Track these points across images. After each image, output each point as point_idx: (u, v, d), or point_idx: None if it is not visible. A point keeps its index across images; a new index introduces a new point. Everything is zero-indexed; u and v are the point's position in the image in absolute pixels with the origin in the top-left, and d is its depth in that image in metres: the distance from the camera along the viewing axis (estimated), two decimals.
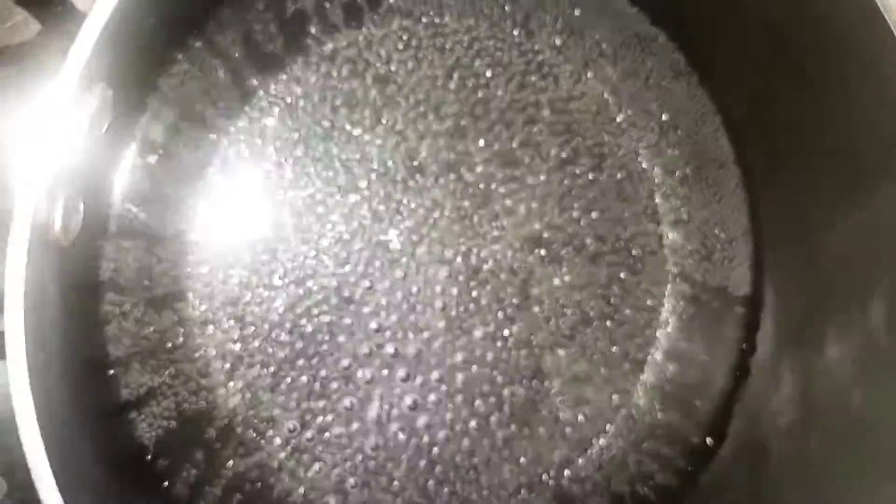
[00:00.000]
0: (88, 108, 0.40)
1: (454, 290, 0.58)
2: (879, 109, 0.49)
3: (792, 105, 0.56)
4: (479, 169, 0.59)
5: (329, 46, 0.56)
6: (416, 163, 0.58)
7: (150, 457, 0.49)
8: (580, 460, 0.59)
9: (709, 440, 0.60)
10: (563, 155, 0.60)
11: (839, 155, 0.53)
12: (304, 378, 0.55)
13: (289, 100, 0.55)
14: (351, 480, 0.55)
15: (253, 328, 0.54)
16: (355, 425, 0.55)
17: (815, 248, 0.58)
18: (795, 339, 0.58)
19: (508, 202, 0.59)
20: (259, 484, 0.53)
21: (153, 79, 0.48)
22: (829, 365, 0.55)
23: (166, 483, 0.50)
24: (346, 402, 0.55)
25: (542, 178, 0.60)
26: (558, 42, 0.60)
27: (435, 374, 0.57)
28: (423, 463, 0.56)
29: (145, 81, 0.48)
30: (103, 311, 0.48)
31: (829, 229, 0.56)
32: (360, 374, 0.56)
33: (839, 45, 0.49)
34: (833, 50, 0.49)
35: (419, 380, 0.57)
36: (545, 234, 0.60)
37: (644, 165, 0.62)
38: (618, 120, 0.62)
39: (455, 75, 0.59)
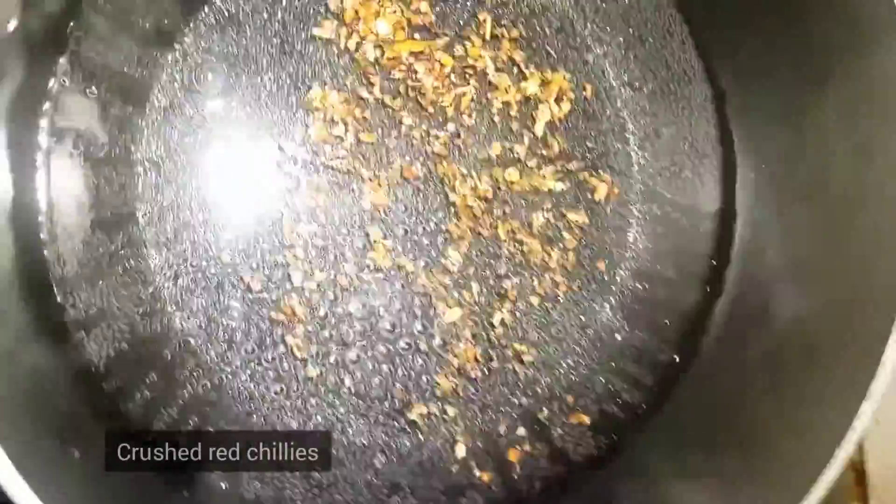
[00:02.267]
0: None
1: (419, 206, 0.57)
2: (845, 6, 0.48)
3: (757, 9, 0.54)
4: (440, 83, 0.57)
5: None
6: (371, 77, 0.56)
7: (101, 378, 0.49)
8: (546, 380, 0.59)
9: (676, 357, 0.59)
10: (528, 71, 0.59)
11: (807, 53, 0.51)
12: (258, 304, 0.54)
13: (236, 13, 0.54)
14: (312, 401, 0.55)
15: (206, 250, 0.53)
16: (314, 346, 0.55)
17: (783, 161, 0.57)
18: (766, 251, 0.58)
19: (469, 120, 0.58)
20: (217, 406, 0.53)
21: None
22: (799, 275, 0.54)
23: (120, 405, 0.49)
24: (305, 323, 0.54)
25: (507, 96, 0.58)
26: None
27: (397, 304, 0.56)
28: (387, 384, 0.56)
29: None
30: (47, 231, 0.47)
31: (797, 139, 0.55)
32: (313, 290, 0.55)
33: None
34: None
35: (383, 298, 0.56)
36: (509, 153, 0.58)
37: (611, 81, 0.61)
38: (583, 34, 0.60)
39: None
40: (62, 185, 0.47)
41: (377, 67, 0.56)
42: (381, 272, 0.56)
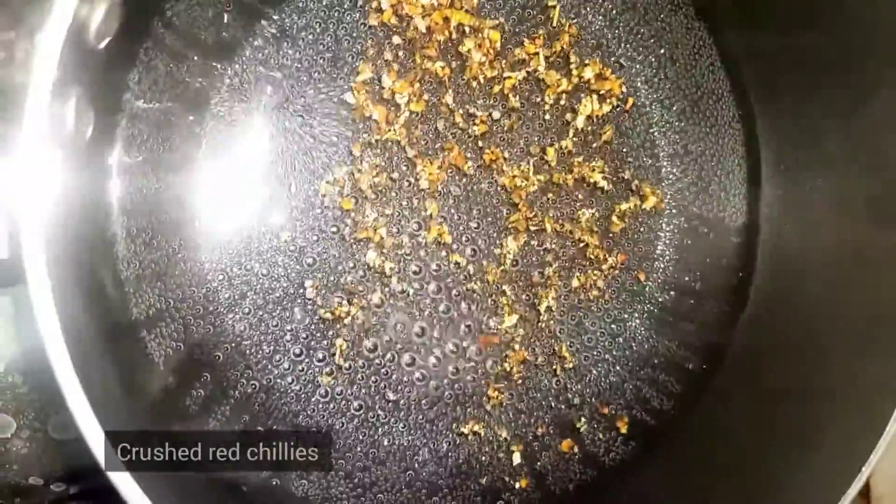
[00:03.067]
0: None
1: (454, 213, 0.59)
2: (873, 32, 0.50)
3: (787, 32, 0.56)
4: (479, 102, 0.59)
5: None
6: (416, 99, 0.58)
7: (161, 377, 0.50)
8: (577, 386, 0.61)
9: (704, 366, 0.61)
10: (563, 89, 0.61)
11: (834, 79, 0.54)
12: (308, 306, 0.56)
13: (292, 31, 0.56)
14: (355, 404, 0.57)
15: (259, 255, 0.55)
16: (359, 358, 0.57)
17: (809, 177, 0.59)
18: (791, 265, 0.60)
19: (509, 135, 0.60)
20: (265, 405, 0.55)
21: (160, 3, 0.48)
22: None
23: (178, 403, 0.51)
24: (351, 330, 0.56)
25: (543, 113, 0.61)
26: None
27: (442, 307, 0.58)
28: (433, 389, 0.58)
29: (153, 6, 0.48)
30: (111, 232, 0.49)
31: (824, 156, 0.57)
32: (365, 300, 0.57)
33: None
34: None
35: (426, 312, 0.58)
36: (544, 168, 0.60)
37: (642, 99, 0.63)
38: (617, 53, 0.63)
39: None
40: (129, 190, 0.49)
41: (427, 39, 0.58)
42: (433, 271, 0.58)
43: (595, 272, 0.61)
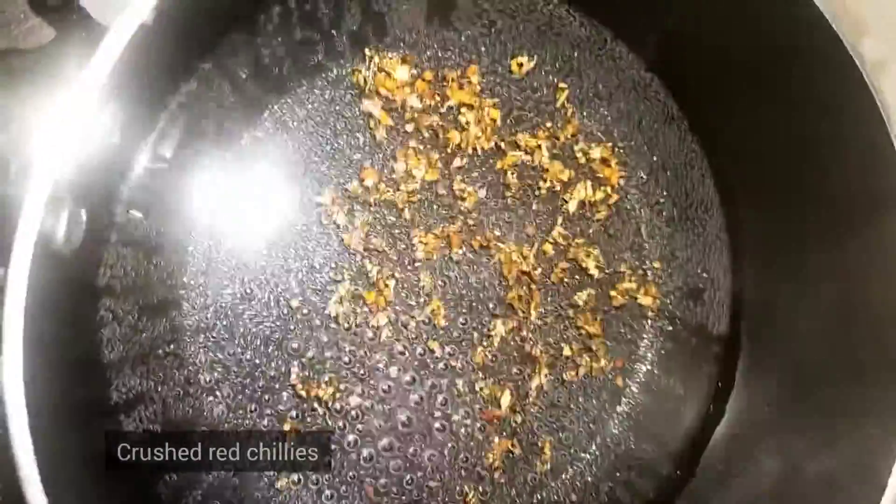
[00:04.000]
0: (101, 122, 0.41)
1: (447, 297, 0.60)
2: (865, 168, 0.51)
3: (777, 158, 0.58)
4: (468, 195, 0.60)
5: (334, 72, 0.58)
6: (412, 197, 0.59)
7: (135, 459, 0.50)
8: (553, 483, 0.61)
9: (678, 472, 0.62)
10: (554, 189, 0.62)
11: (824, 204, 0.55)
12: (285, 393, 0.56)
13: (291, 122, 0.57)
14: (327, 493, 0.57)
15: (243, 340, 0.56)
16: (336, 452, 0.57)
17: (794, 294, 0.60)
18: (771, 378, 0.61)
19: (498, 231, 0.61)
20: (240, 493, 0.55)
21: (165, 96, 0.50)
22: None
23: (149, 487, 0.51)
24: (325, 420, 0.57)
25: (533, 208, 0.62)
26: (555, 81, 0.62)
27: (423, 393, 0.59)
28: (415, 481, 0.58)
29: (159, 98, 0.49)
30: (99, 315, 0.49)
31: (810, 276, 0.58)
32: (347, 397, 0.57)
33: (829, 105, 0.51)
34: (823, 109, 0.51)
35: (411, 401, 0.58)
36: (532, 264, 0.61)
37: (633, 203, 0.65)
38: (608, 159, 0.64)
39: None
40: (118, 273, 0.50)
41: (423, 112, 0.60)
42: (419, 355, 0.58)
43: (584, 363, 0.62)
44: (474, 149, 0.61)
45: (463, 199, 0.60)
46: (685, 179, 0.64)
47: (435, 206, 0.60)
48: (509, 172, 0.61)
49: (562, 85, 0.62)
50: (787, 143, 0.55)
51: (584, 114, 0.63)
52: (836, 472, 0.51)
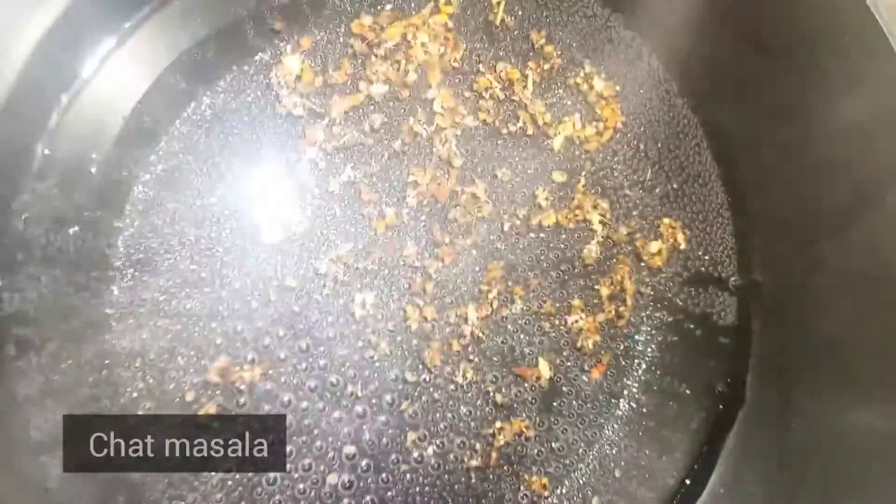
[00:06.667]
0: None
1: (427, 292, 0.54)
2: (867, 125, 0.45)
3: (776, 123, 0.51)
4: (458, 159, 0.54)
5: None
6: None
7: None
8: (550, 499, 0.55)
9: (688, 481, 0.55)
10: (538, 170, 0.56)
11: (828, 174, 0.48)
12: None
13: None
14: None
15: (182, 360, 0.50)
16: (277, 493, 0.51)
17: (802, 274, 0.53)
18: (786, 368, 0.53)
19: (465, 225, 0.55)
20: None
21: None
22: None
23: None
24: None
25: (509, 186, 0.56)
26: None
27: (382, 418, 0.53)
28: None
29: None
30: (10, 346, 0.44)
31: (817, 253, 0.51)
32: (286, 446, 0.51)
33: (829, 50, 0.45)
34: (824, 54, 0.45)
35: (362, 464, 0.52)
36: (522, 258, 0.55)
37: (624, 183, 0.58)
38: (619, 179, 0.58)
39: None
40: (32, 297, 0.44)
41: None
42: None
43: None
44: None
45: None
46: (679, 151, 0.58)
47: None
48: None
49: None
50: (787, 113, 0.48)
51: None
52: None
